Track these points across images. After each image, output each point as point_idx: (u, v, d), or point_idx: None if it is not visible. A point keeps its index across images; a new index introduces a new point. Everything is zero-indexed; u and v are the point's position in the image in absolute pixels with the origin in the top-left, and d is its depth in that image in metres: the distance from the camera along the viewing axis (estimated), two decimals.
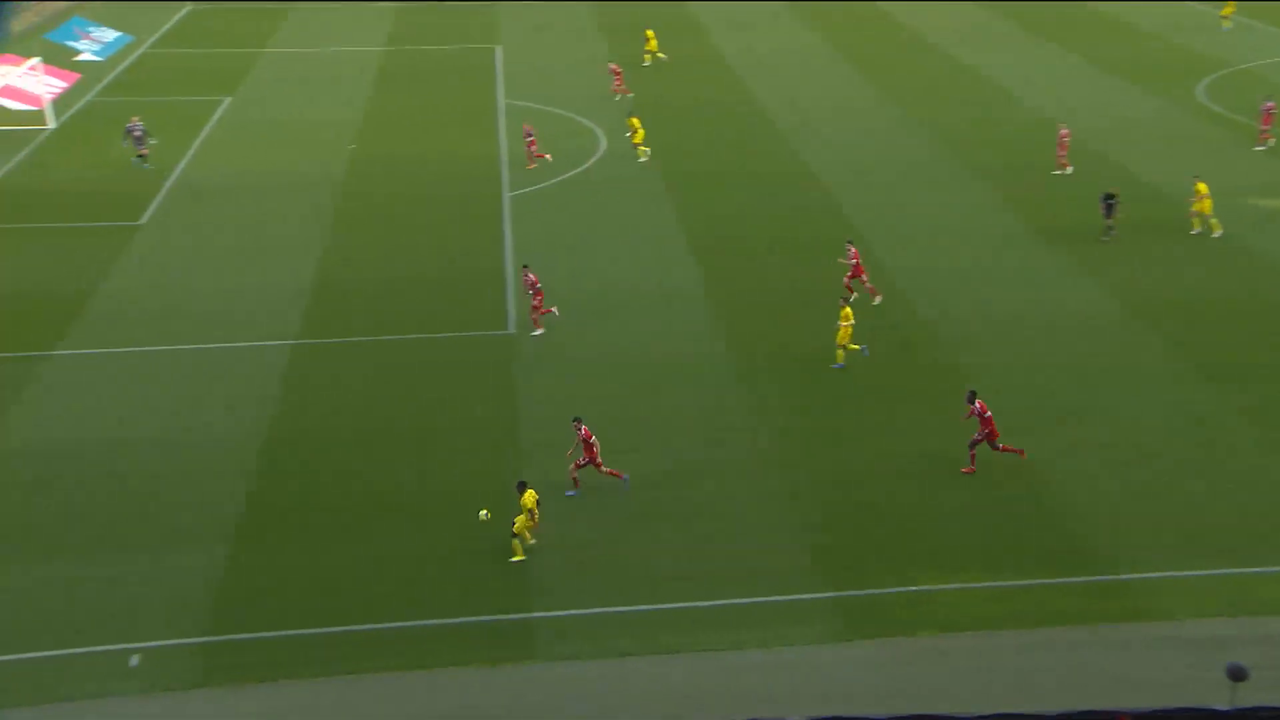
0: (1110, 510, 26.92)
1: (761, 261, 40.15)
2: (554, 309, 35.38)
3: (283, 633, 23.42)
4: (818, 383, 32.39)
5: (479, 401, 31.61)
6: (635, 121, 51.18)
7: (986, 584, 24.66)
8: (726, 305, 37.11)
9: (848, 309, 33.43)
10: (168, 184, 48.08)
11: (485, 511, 25.61)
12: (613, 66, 61.35)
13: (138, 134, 49.64)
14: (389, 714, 21.65)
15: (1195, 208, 41.69)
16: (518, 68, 66.95)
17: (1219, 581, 24.64)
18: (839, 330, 33.03)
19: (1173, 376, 32.66)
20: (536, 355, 34.12)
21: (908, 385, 32.37)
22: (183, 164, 50.56)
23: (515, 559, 25.25)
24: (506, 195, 46.86)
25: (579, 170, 49.62)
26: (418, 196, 46.99)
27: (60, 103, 58.25)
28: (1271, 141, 50.28)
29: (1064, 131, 48.39)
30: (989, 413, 28.08)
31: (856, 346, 33.21)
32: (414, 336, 35.24)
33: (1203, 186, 41.58)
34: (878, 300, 36.51)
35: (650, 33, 68.00)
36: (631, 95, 58.92)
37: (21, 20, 74.77)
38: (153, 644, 22.98)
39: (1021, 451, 28.52)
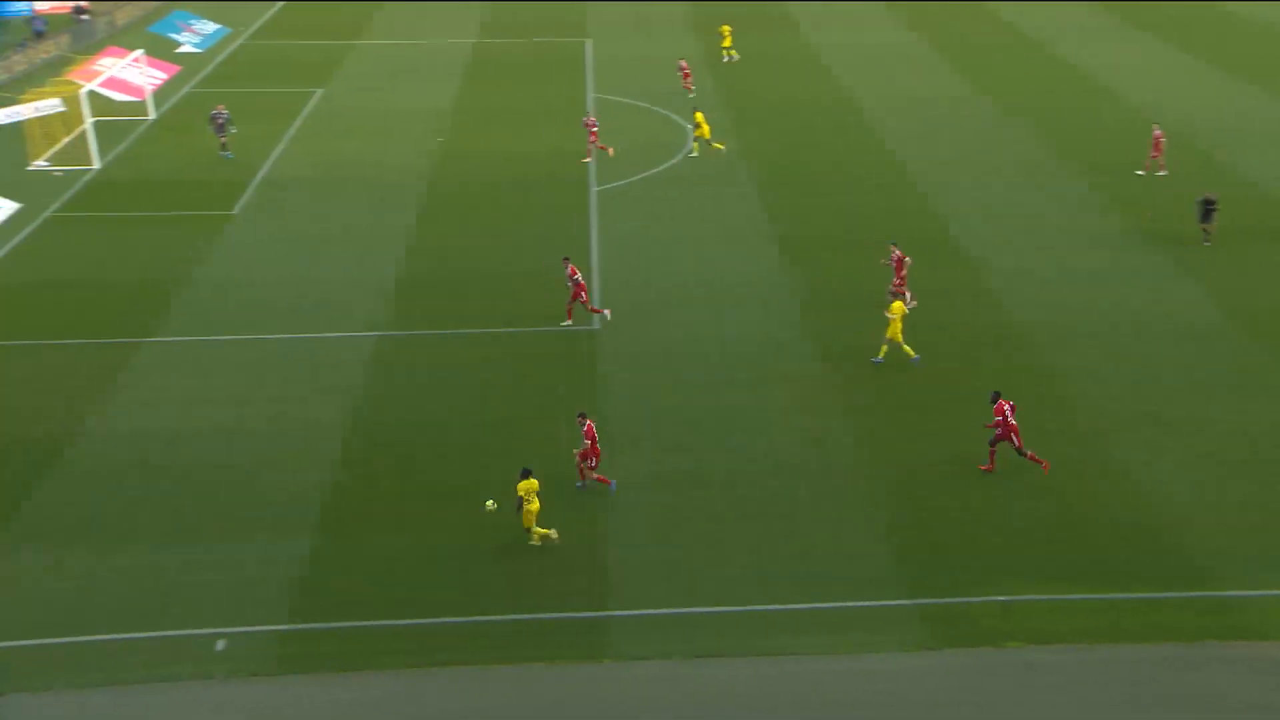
0: (1213, 523, 26.01)
1: (850, 260, 39.51)
2: (607, 311, 35.40)
3: (361, 623, 23.45)
4: (902, 382, 31.78)
5: (561, 396, 31.47)
6: (700, 116, 50.74)
7: (1079, 595, 23.92)
8: (813, 303, 36.60)
9: (898, 303, 32.95)
10: (260, 174, 48.71)
11: (491, 502, 25.49)
12: (681, 63, 60.75)
13: (220, 121, 50.37)
14: (460, 709, 21.56)
15: None
16: (608, 62, 66.90)
17: None
18: (889, 324, 32.57)
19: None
20: (619, 351, 33.91)
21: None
22: (274, 155, 51.20)
23: (534, 540, 25.33)
24: (593, 190, 46.75)
25: (667, 166, 49.36)
26: (505, 190, 47.03)
27: (160, 94, 59.37)
28: None
29: (1158, 132, 47.15)
30: (1008, 414, 27.38)
31: (882, 349, 32.60)
32: (498, 330, 35.23)
33: None
34: (913, 304, 35.68)
35: (726, 29, 67.59)
36: (692, 94, 58.29)
37: (127, 13, 76.39)
38: (239, 629, 23.16)
39: (1045, 464, 27.75)
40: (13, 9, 76.67)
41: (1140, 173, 47.00)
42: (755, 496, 27.27)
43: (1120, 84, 60.26)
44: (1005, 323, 35.38)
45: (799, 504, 26.98)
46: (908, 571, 24.69)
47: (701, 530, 26.12)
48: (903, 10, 78.68)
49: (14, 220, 43.55)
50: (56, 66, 63.71)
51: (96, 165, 49.25)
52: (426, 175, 48.67)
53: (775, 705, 21.43)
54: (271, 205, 45.52)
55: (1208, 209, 39.94)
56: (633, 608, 23.80)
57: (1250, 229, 40.99)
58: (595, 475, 27.32)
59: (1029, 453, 27.69)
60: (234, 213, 44.65)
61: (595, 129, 50.17)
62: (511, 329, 35.25)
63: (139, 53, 59.73)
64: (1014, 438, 27.55)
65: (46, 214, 44.30)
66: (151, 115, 56.54)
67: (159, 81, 61.08)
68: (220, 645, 22.80)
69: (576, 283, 34.88)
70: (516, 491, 25.16)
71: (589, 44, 71.55)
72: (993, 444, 27.70)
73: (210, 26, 73.93)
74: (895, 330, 32.52)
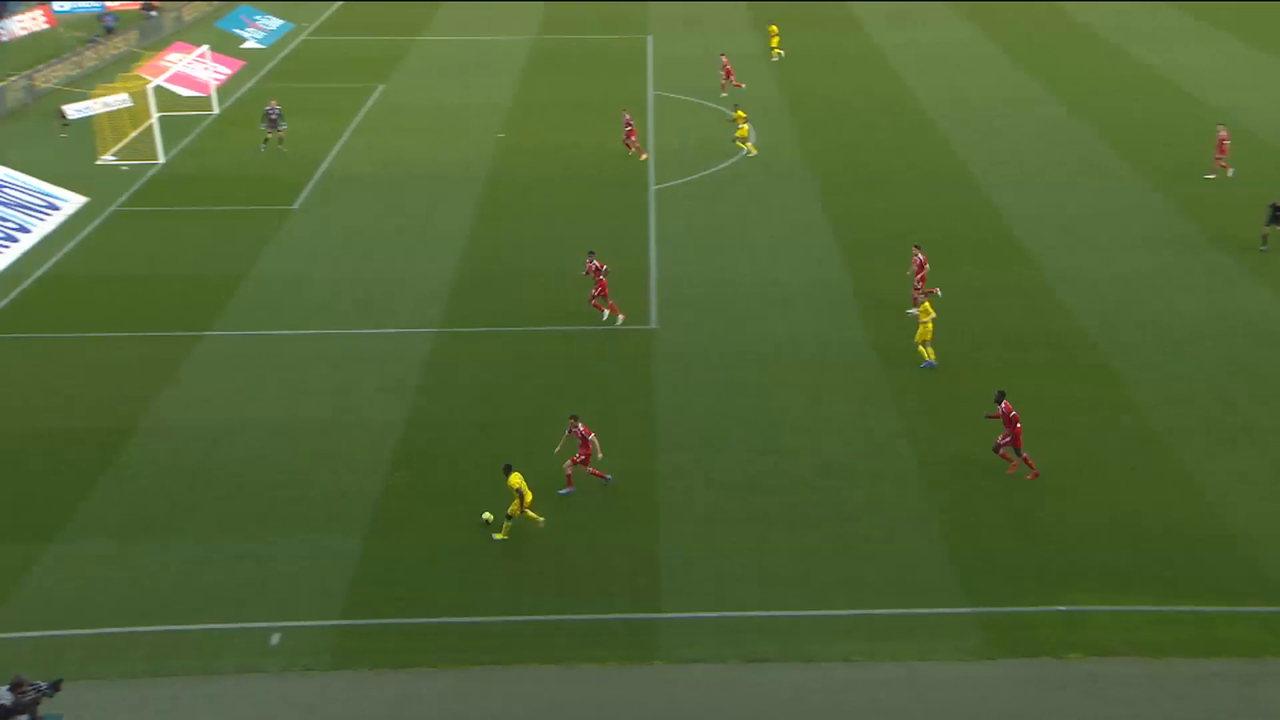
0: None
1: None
2: (621, 316, 35.20)
3: (412, 620, 23.43)
4: (966, 386, 31.19)
5: (618, 396, 31.33)
6: (741, 115, 50.21)
7: (1148, 607, 23.35)
8: (872, 305, 36.18)
9: (927, 304, 32.53)
10: (320, 170, 49.01)
11: (488, 515, 25.85)
12: (723, 60, 60.28)
13: (273, 116, 50.70)
14: (508, 708, 21.43)
15: None
16: (669, 59, 66.65)
17: None
18: (919, 327, 32.19)
19: None
20: (677, 352, 33.69)
21: (1063, 393, 31.06)
22: (334, 151, 51.50)
23: (498, 536, 25.44)
24: (652, 188, 46.55)
25: (727, 164, 49.05)
26: (563, 187, 46.98)
27: (224, 89, 59.98)
28: None
29: (1223, 134, 46.22)
30: (1014, 414, 26.97)
31: (930, 354, 32.25)
32: (555, 329, 35.12)
33: None
34: (912, 313, 35.03)
35: (773, 28, 67.13)
36: (727, 94, 57.83)
37: (194, 9, 77.31)
38: (293, 624, 23.24)
39: (1034, 472, 27.27)
40: (85, 6, 77.91)
41: (1210, 176, 46.06)
42: (807, 499, 26.95)
43: (1195, 85, 59.13)
44: (1066, 325, 34.76)
45: (852, 508, 26.64)
46: (963, 578, 24.27)
47: (752, 532, 25.85)
48: (967, 9, 77.76)
49: (81, 214, 44.16)
50: (125, 62, 64.60)
51: (161, 160, 49.83)
52: (485, 172, 48.73)
53: (829, 713, 21.13)
54: (331, 201, 45.77)
55: (1276, 212, 39.12)
56: (683, 610, 23.58)
57: None
58: (590, 470, 27.10)
59: (1024, 454, 27.38)
60: (294, 208, 44.96)
61: (631, 127, 49.97)
62: (568, 327, 35.13)
63: (204, 48, 60.43)
64: (1015, 437, 27.26)
65: (112, 208, 44.87)
66: (215, 110, 57.13)
67: (223, 77, 61.76)
68: (274, 639, 22.90)
69: (599, 277, 34.77)
70: (511, 489, 25.15)
71: (650, 40, 71.35)
72: (997, 449, 27.44)
73: (274, 22, 74.67)
74: (926, 332, 32.15)
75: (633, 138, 49.83)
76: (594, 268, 35.27)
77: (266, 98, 55.06)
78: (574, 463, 27.03)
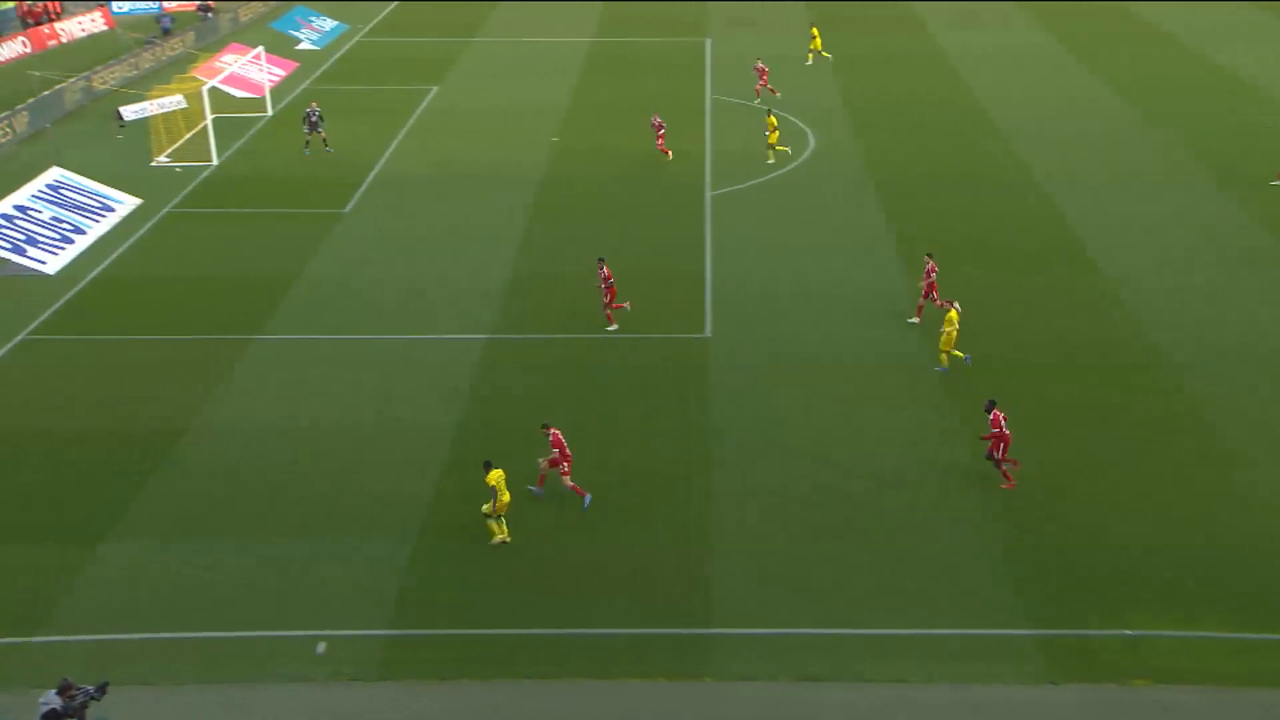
0: None
1: (973, 269, 38.18)
2: (626, 304, 34.97)
3: (459, 631, 23.11)
4: (1025, 398, 30.31)
5: (671, 404, 30.85)
6: (773, 120, 49.45)
7: (1218, 634, 22.56)
8: (932, 315, 35.37)
9: (953, 312, 31.76)
10: (373, 173, 48.92)
11: (487, 505, 25.29)
12: (759, 64, 59.41)
13: (314, 119, 50.60)
14: None
15: None
16: (727, 62, 66.00)
17: None
18: (943, 335, 31.61)
19: None
20: (728, 359, 33.15)
21: (1128, 409, 30.22)
22: (388, 153, 51.42)
23: (496, 540, 25.08)
24: (709, 194, 45.99)
25: (787, 169, 48.42)
26: (618, 191, 46.56)
27: (278, 91, 60.15)
28: None
29: None
30: (1003, 426, 26.35)
31: (961, 354, 31.77)
32: (607, 335, 34.67)
33: None
34: (914, 320, 34.46)
35: (815, 30, 66.36)
36: (760, 100, 57.15)
37: (249, 10, 77.76)
38: (339, 633, 22.98)
39: (1012, 483, 26.78)
40: (142, 7, 78.60)
41: (1275, 183, 44.85)
42: (860, 514, 26.35)
43: (1276, 89, 57.75)
44: (1135, 339, 33.86)
45: (906, 523, 25.99)
46: (1023, 599, 23.57)
47: (803, 547, 25.29)
48: (1035, 10, 76.58)
49: (135, 215, 44.32)
50: (182, 63, 64.96)
51: (214, 161, 49.96)
52: (539, 175, 48.40)
53: None
54: (383, 203, 45.62)
55: None
56: (733, 626, 23.08)
57: None
58: (570, 484, 26.63)
59: (1012, 460, 26.84)
60: (346, 211, 44.86)
61: (663, 130, 49.46)
62: (622, 334, 34.67)
63: (260, 49, 60.64)
64: (1003, 447, 26.61)
65: (166, 209, 45.00)
66: (269, 112, 57.29)
67: (278, 78, 61.94)
68: (320, 648, 22.65)
69: (609, 286, 34.32)
70: (489, 484, 24.84)
71: (709, 43, 70.81)
72: (995, 460, 26.80)
73: (329, 23, 74.89)
74: (949, 339, 31.60)
75: (662, 141, 49.27)
76: (604, 276, 34.71)
77: (321, 99, 55.10)
78: (550, 465, 26.64)
